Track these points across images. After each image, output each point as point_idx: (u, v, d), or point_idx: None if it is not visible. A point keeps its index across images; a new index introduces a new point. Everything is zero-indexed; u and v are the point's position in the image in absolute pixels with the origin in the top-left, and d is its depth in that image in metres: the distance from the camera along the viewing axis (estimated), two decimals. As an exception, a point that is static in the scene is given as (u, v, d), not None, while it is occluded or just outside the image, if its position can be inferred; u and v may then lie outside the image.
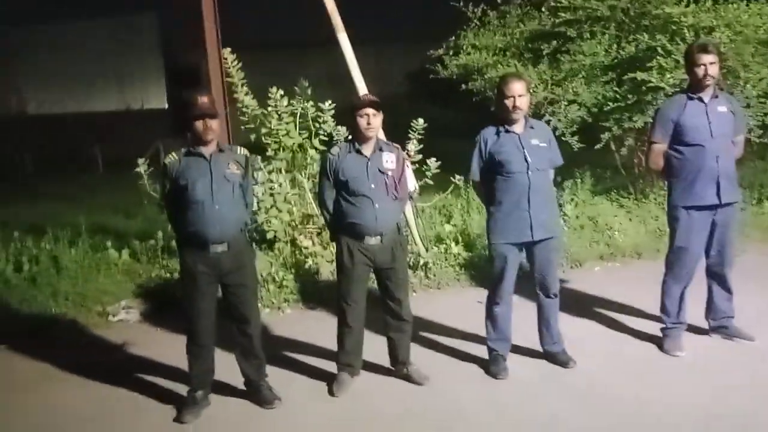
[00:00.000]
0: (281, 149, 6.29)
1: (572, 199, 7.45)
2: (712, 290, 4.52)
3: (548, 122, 7.10)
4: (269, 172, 6.22)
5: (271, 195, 6.10)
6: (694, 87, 4.27)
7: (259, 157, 6.34)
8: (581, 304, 5.32)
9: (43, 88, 25.60)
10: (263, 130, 6.29)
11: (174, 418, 3.88)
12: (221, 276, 3.85)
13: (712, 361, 4.28)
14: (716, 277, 4.47)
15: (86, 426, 3.98)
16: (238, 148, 4.00)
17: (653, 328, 4.63)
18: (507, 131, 4.08)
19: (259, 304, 5.54)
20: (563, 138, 7.14)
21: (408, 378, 4.20)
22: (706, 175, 4.19)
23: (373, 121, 3.94)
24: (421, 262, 6.11)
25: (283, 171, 6.35)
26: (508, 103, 4.02)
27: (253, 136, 6.38)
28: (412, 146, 6.61)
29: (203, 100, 3.81)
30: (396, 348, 4.22)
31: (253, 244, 6.06)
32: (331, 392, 4.10)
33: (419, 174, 6.53)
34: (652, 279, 4.67)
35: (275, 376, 4.34)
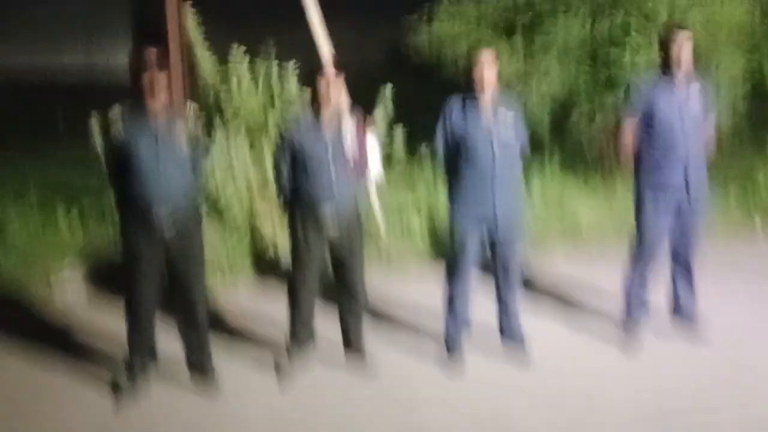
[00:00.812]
0: (240, 113, 6.04)
1: (539, 175, 7.35)
2: (675, 274, 4.44)
3: (519, 95, 6.97)
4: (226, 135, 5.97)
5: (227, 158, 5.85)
6: (667, 66, 4.14)
7: (217, 117, 6.12)
8: (542, 283, 5.24)
9: (7, 41, 24.72)
10: (222, 90, 6.03)
11: (111, 388, 3.71)
12: (165, 241, 3.63)
13: (675, 346, 4.20)
14: (680, 261, 4.39)
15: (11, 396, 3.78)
16: (190, 105, 3.77)
17: (614, 312, 4.53)
18: (474, 102, 3.92)
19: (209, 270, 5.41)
20: (534, 112, 7.02)
21: (359, 361, 4.06)
22: (675, 155, 4.09)
23: (332, 86, 3.73)
24: (381, 237, 5.95)
25: (242, 132, 6.11)
26: (476, 73, 3.85)
27: (211, 97, 6.10)
28: (380, 112, 6.42)
29: (151, 52, 3.55)
30: (348, 330, 4.07)
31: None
32: (278, 367, 3.95)
33: (385, 146, 6.37)
34: (615, 261, 4.58)
35: (223, 347, 4.19)
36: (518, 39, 7.21)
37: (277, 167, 3.95)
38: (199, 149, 3.81)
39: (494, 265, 4.10)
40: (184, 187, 3.64)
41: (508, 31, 7.41)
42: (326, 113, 3.80)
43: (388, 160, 6.79)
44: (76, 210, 6.35)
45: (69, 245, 5.74)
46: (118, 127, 3.58)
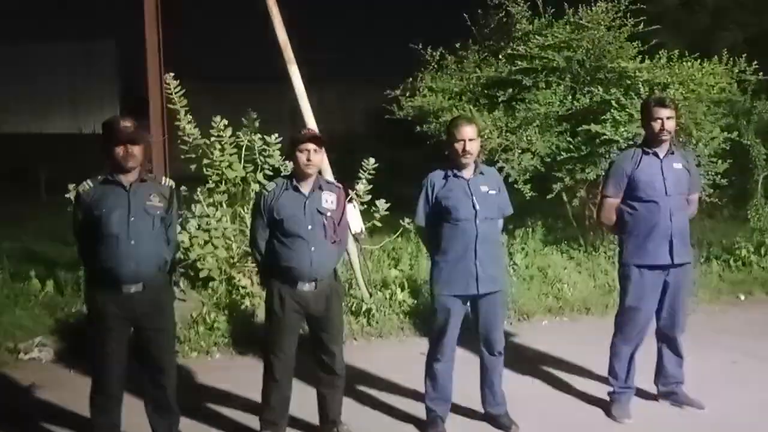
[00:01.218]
0: (223, 182, 6.00)
1: (523, 249, 7.32)
2: (662, 354, 4.33)
3: (501, 169, 7.00)
4: (208, 206, 5.90)
5: (206, 231, 5.77)
6: (649, 141, 4.13)
7: (199, 190, 6.06)
8: (526, 361, 5.09)
9: (-3, 106, 24.83)
10: (205, 161, 5.99)
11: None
12: (135, 319, 3.47)
13: (660, 430, 4.06)
14: (667, 340, 4.29)
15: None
16: (164, 178, 3.67)
17: (600, 390, 4.40)
18: (456, 176, 3.86)
19: (187, 347, 5.25)
20: (516, 186, 7.04)
21: None
22: (660, 233, 4.03)
23: (313, 158, 3.64)
24: (364, 307, 5.82)
25: (224, 205, 6.05)
26: (458, 146, 3.81)
27: (193, 167, 6.06)
28: (362, 186, 6.41)
29: (125, 123, 3.43)
30: (326, 405, 3.88)
31: (182, 283, 5.72)
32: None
33: (368, 215, 6.32)
34: (599, 336, 4.46)
35: (194, 430, 3.98)
36: (500, 113, 7.29)
37: (253, 241, 3.82)
38: (174, 223, 3.68)
39: (478, 334, 3.96)
40: (157, 262, 3.50)
41: (490, 106, 7.51)
42: (305, 185, 3.71)
43: (370, 232, 6.75)
44: (51, 283, 6.19)
45: (41, 321, 5.53)
46: (88, 200, 3.45)
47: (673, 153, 4.12)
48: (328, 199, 3.74)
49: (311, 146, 3.64)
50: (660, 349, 4.32)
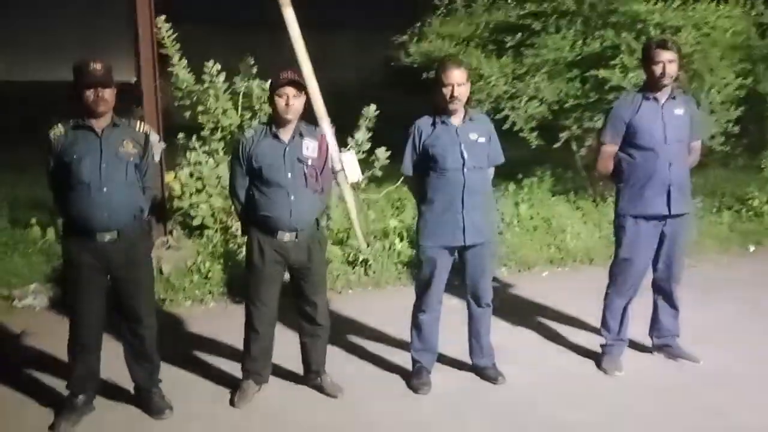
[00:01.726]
0: (218, 130, 5.89)
1: (529, 199, 7.17)
2: (657, 306, 4.21)
3: (506, 117, 6.81)
4: (203, 153, 5.81)
5: (200, 179, 5.69)
6: (650, 86, 3.93)
7: (194, 137, 5.97)
8: (522, 311, 5.02)
9: (9, 53, 24.75)
10: (199, 108, 5.87)
11: (50, 424, 3.46)
12: (110, 269, 3.41)
13: (652, 382, 3.97)
14: (662, 292, 4.17)
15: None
16: (138, 123, 3.51)
17: (594, 342, 4.31)
18: (444, 123, 3.71)
19: (181, 296, 5.23)
20: (522, 134, 6.85)
21: (320, 389, 3.82)
22: (657, 182, 3.87)
23: (292, 103, 3.48)
24: (361, 258, 5.74)
25: (220, 152, 5.95)
26: (446, 91, 3.63)
27: (188, 114, 5.95)
28: (361, 135, 6.29)
29: (95, 66, 3.28)
30: (309, 354, 3.83)
31: (176, 231, 5.68)
32: (232, 402, 3.71)
33: (366, 164, 6.21)
34: (600, 287, 4.31)
35: (178, 378, 3.97)
36: (508, 59, 7.06)
37: (232, 190, 3.70)
38: (151, 169, 3.54)
39: (465, 285, 3.87)
40: (131, 210, 3.40)
41: (498, 52, 7.26)
42: (285, 131, 3.57)
43: (372, 182, 6.65)
44: (52, 230, 6.17)
45: (38, 269, 5.54)
46: (58, 147, 3.34)
47: (674, 98, 3.92)
48: (309, 146, 3.60)
49: (290, 91, 3.48)
50: (655, 301, 4.20)
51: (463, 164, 3.65)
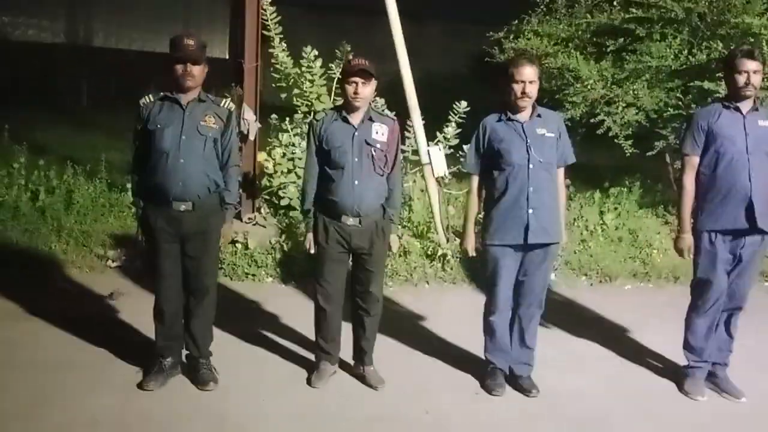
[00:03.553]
0: (311, 113, 5.99)
1: (616, 209, 6.99)
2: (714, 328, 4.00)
3: (602, 122, 6.65)
4: (294, 135, 5.93)
5: (291, 159, 5.81)
6: (732, 96, 3.78)
7: (287, 119, 6.09)
8: (601, 324, 4.92)
9: (110, 21, 25.86)
10: (295, 91, 5.99)
11: (138, 382, 3.64)
12: (182, 238, 3.53)
13: (731, 410, 3.81)
14: (722, 314, 3.96)
15: (37, 373, 3.72)
16: (224, 100, 3.62)
17: (677, 362, 4.17)
18: (510, 119, 3.65)
19: (264, 272, 5.37)
20: (616, 140, 6.67)
21: (362, 378, 3.85)
22: (738, 194, 3.68)
23: (361, 90, 3.53)
24: (440, 252, 5.74)
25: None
26: (517, 88, 3.57)
27: (284, 95, 6.08)
28: (451, 129, 6.27)
29: (188, 41, 3.42)
30: (358, 340, 3.87)
31: (263, 209, 5.82)
32: (309, 381, 3.80)
33: (452, 159, 6.18)
34: (685, 307, 4.18)
35: (257, 354, 4.09)
36: (607, 63, 6.88)
37: (306, 169, 3.76)
38: (230, 145, 3.62)
39: (519, 284, 3.77)
40: (206, 183, 3.51)
41: (598, 55, 7.09)
42: (354, 116, 3.61)
43: (457, 177, 6.62)
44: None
45: (132, 229, 5.78)
46: (146, 113, 3.49)
47: (757, 110, 3.75)
48: (379, 131, 3.63)
49: (359, 79, 3.53)
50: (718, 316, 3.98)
51: (529, 160, 3.60)
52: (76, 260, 5.33)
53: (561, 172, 3.80)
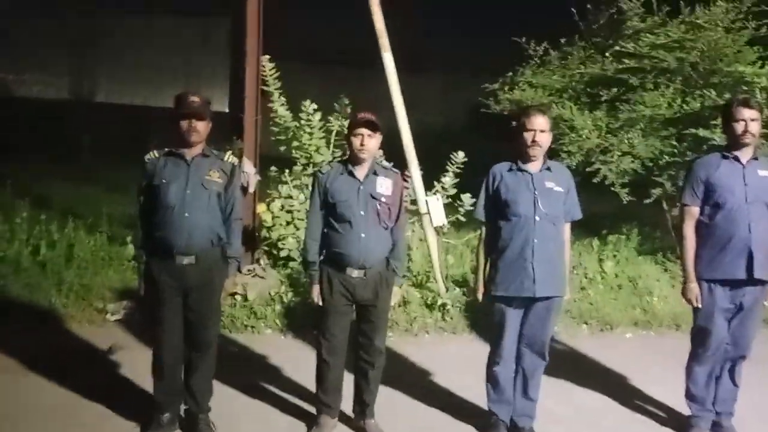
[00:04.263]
0: (310, 165, 6.07)
1: (614, 256, 7.01)
2: (717, 377, 3.98)
3: (597, 171, 6.72)
4: (294, 187, 5.99)
5: (290, 212, 5.85)
6: (730, 145, 3.83)
7: (286, 171, 6.16)
8: (602, 374, 4.88)
9: (113, 77, 26.36)
10: (294, 143, 6.08)
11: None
12: (185, 291, 3.55)
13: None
14: (726, 363, 3.94)
15: (35, 428, 3.70)
16: (228, 155, 3.69)
17: (680, 412, 4.13)
18: (520, 169, 3.69)
19: (262, 324, 5.36)
20: (612, 188, 6.73)
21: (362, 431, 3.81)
22: (737, 244, 3.70)
23: (367, 143, 3.58)
24: (439, 302, 5.73)
25: (307, 188, 6.12)
26: (528, 136, 3.62)
27: (283, 148, 6.17)
28: (448, 179, 6.34)
29: (193, 99, 3.52)
30: (360, 394, 3.83)
31: (263, 261, 5.84)
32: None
33: (449, 208, 6.23)
34: (686, 355, 4.16)
35: (254, 407, 4.06)
36: (601, 113, 6.99)
37: (308, 222, 3.78)
38: (233, 199, 3.67)
39: (522, 336, 3.75)
40: (210, 236, 3.55)
41: (592, 105, 7.21)
42: (360, 169, 3.65)
43: (455, 227, 6.66)
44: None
45: (131, 285, 5.79)
46: (151, 168, 3.56)
47: (756, 159, 3.79)
48: (384, 184, 3.66)
49: (365, 131, 3.58)
50: (714, 370, 3.97)
51: (535, 212, 3.62)
52: (75, 314, 5.32)
53: (567, 227, 3.81)
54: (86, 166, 16.26)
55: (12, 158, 14.90)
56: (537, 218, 3.62)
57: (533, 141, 3.61)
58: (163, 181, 3.49)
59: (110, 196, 10.59)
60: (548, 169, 3.72)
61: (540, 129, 3.61)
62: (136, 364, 4.48)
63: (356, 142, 3.59)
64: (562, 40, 7.69)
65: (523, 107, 3.87)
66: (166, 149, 3.57)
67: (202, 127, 3.51)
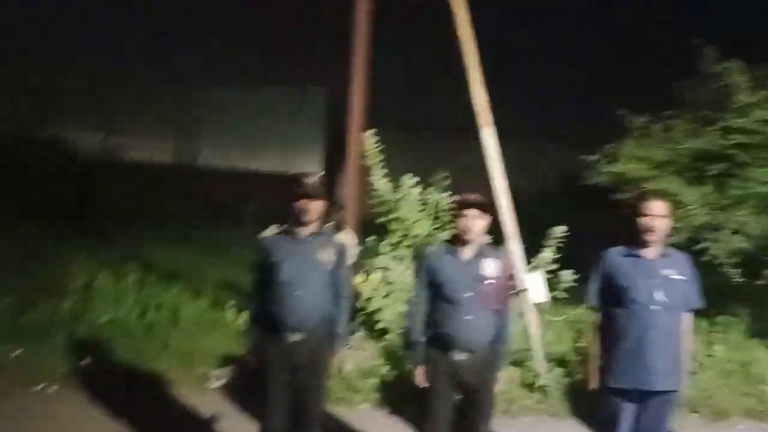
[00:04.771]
0: (408, 237, 6.10)
1: (724, 339, 6.63)
2: None
3: (706, 249, 6.45)
4: (392, 259, 6.02)
5: (388, 284, 5.88)
6: (637, 238, 3.60)
7: (383, 242, 6.22)
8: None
9: (215, 143, 27.84)
10: (392, 216, 6.15)
11: None
12: (293, 367, 3.62)
13: None
14: None
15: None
16: (339, 234, 3.82)
17: None
18: (636, 255, 3.58)
19: (358, 398, 5.33)
20: (721, 269, 6.42)
21: None
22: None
23: (474, 224, 3.55)
24: (539, 382, 5.55)
25: (408, 260, 6.14)
26: (644, 222, 3.52)
27: (381, 220, 6.25)
28: (548, 254, 6.21)
29: (309, 180, 3.66)
30: None
31: (359, 332, 5.86)
32: None
33: (552, 285, 6.08)
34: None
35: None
36: (709, 188, 6.75)
37: (411, 301, 3.76)
38: (343, 278, 3.75)
39: (637, 429, 3.56)
40: (321, 314, 3.62)
41: (699, 179, 6.97)
42: (466, 250, 3.62)
43: (556, 303, 6.49)
44: (245, 314, 6.61)
45: (233, 351, 5.92)
46: (267, 245, 3.68)
47: (665, 253, 3.60)
48: (491, 266, 3.61)
49: (473, 212, 3.56)
50: None
51: (653, 301, 3.48)
52: (179, 379, 5.46)
53: (687, 317, 3.64)
54: (188, 229, 17.03)
55: (119, 220, 15.80)
56: (654, 307, 3.48)
57: (651, 227, 3.51)
58: (278, 258, 3.61)
59: (210, 260, 11.00)
60: (666, 255, 3.59)
61: (658, 214, 3.51)
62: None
63: (463, 223, 3.58)
64: (666, 113, 7.52)
65: (640, 191, 3.79)
66: (282, 227, 3.69)
67: (317, 207, 3.62)
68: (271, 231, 3.73)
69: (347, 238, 5.80)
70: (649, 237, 3.54)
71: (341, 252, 3.72)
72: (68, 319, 6.31)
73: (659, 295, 3.48)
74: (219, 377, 5.53)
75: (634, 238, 3.60)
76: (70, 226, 14.74)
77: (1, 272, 6.97)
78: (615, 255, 3.65)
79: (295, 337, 3.56)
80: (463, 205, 3.61)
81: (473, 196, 3.62)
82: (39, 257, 8.97)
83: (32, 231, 13.58)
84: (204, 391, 5.38)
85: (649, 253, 3.58)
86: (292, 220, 3.67)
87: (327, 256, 3.65)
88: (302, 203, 3.60)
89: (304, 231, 3.66)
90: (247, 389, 5.36)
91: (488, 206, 3.63)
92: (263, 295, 3.66)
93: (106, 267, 7.50)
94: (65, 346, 5.79)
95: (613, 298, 3.59)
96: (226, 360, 5.77)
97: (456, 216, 3.65)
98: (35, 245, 10.95)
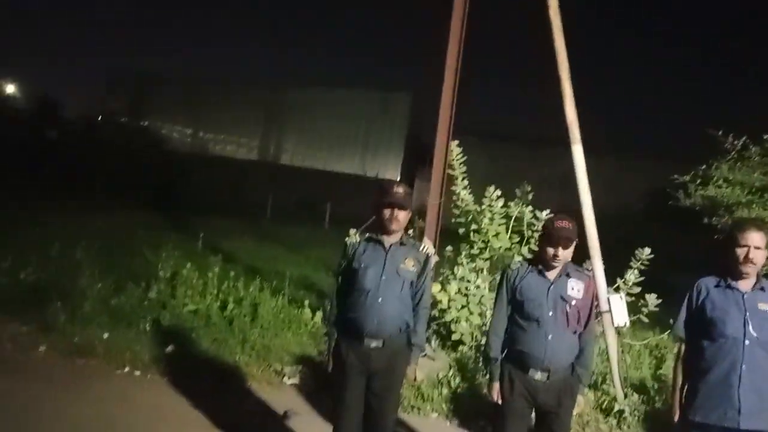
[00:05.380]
0: (487, 249, 6.06)
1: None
2: None
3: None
4: (470, 271, 6.00)
5: (465, 295, 5.85)
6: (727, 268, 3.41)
7: (463, 253, 6.20)
8: None
9: (298, 141, 28.56)
10: (473, 227, 6.12)
11: None
12: (369, 374, 3.63)
13: None
14: None
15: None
16: (423, 245, 3.78)
17: None
18: (730, 286, 3.42)
19: (429, 407, 5.33)
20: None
21: None
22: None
23: (562, 254, 3.49)
24: (616, 408, 5.40)
25: (485, 272, 6.11)
26: (740, 252, 3.36)
27: (462, 230, 6.23)
28: (632, 276, 6.04)
29: (397, 189, 3.66)
30: None
31: (433, 342, 5.85)
32: None
33: (634, 308, 5.92)
34: None
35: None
36: (810, 218, 6.40)
37: (493, 317, 3.71)
38: (424, 287, 3.74)
39: None
40: (399, 323, 3.63)
41: (799, 208, 6.63)
42: (551, 270, 3.57)
43: (635, 325, 6.31)
44: (319, 314, 6.74)
45: (308, 349, 6.04)
46: (351, 252, 3.72)
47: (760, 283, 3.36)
48: (575, 287, 3.54)
49: (562, 242, 3.49)
50: None
51: (745, 335, 3.32)
52: (256, 374, 5.59)
53: None
54: (267, 224, 17.51)
55: (204, 212, 16.37)
56: (747, 342, 3.32)
57: (746, 258, 3.36)
58: (362, 265, 3.64)
59: (288, 257, 11.24)
60: (762, 289, 3.42)
61: (755, 245, 3.35)
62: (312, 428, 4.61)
63: (551, 252, 3.52)
64: (765, 136, 7.18)
65: (736, 220, 3.62)
66: (367, 235, 3.74)
67: (403, 216, 3.64)
68: (354, 235, 3.77)
69: (428, 248, 5.82)
70: (744, 268, 3.39)
71: (424, 262, 3.72)
72: (155, 306, 6.59)
73: (752, 330, 3.32)
74: (293, 375, 5.63)
75: (727, 267, 3.46)
76: (160, 215, 15.45)
77: (96, 258, 7.32)
78: (708, 284, 3.50)
79: (374, 344, 3.60)
80: (552, 237, 3.50)
81: (564, 224, 3.51)
82: (130, 245, 9.42)
83: (126, 218, 14.28)
84: (279, 387, 5.49)
85: (744, 285, 3.42)
86: (378, 226, 3.70)
87: (410, 265, 3.66)
88: (389, 211, 3.63)
89: (389, 239, 3.69)
90: (320, 389, 5.46)
91: (575, 236, 3.54)
92: (344, 300, 3.71)
93: (192, 258, 7.77)
94: (150, 332, 6.04)
95: (702, 331, 3.45)
96: (301, 359, 5.88)
97: (544, 243, 3.56)
98: (128, 232, 11.50)
